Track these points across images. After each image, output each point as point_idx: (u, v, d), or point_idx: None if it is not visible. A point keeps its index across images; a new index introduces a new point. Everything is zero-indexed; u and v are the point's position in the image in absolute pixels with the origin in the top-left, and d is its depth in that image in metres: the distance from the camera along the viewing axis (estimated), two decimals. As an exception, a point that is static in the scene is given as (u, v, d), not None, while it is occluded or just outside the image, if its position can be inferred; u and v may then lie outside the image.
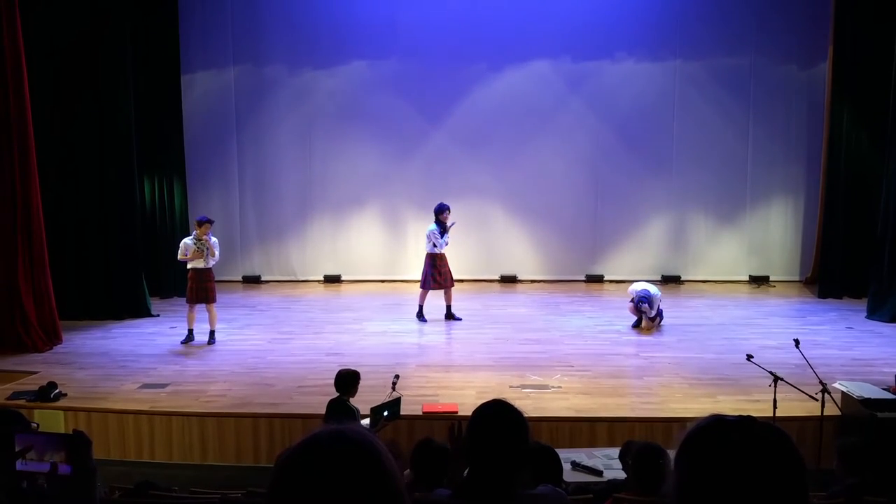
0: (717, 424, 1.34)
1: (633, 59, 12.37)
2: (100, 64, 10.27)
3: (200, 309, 9.29)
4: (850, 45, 11.11)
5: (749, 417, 1.35)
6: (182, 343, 9.25)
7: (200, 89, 12.38)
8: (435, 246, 9.99)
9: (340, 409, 5.94)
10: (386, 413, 6.12)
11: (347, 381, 6.10)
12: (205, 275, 9.16)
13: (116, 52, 10.34)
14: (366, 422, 5.78)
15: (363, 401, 6.25)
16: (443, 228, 9.99)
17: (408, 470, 4.01)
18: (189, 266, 9.15)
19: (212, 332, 9.29)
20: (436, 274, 10.06)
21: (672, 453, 1.39)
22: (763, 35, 12.16)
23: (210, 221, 9.24)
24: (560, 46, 12.31)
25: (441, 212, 10.01)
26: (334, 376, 6.19)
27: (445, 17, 12.19)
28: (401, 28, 12.25)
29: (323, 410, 6.18)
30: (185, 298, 9.53)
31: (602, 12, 12.20)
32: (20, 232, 9.05)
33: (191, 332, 9.32)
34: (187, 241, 9.18)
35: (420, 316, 10.17)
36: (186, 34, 11.80)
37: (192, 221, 10.29)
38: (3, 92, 8.85)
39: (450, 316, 10.20)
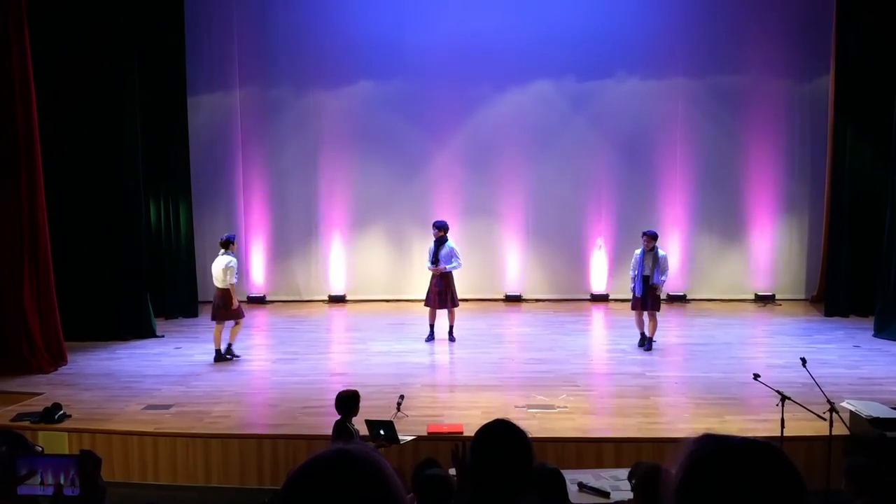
0: (716, 449, 1.33)
1: (636, 79, 12.43)
2: (107, 86, 10.36)
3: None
4: (852, 62, 11.15)
5: (748, 439, 1.35)
6: (216, 362, 9.27)
7: (206, 111, 12.47)
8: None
9: (342, 431, 5.91)
10: (382, 431, 6.09)
11: (347, 402, 6.06)
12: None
13: (123, 75, 10.43)
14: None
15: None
16: (436, 247, 9.96)
17: (411, 494, 3.99)
18: (229, 284, 9.25)
19: (230, 346, 9.44)
20: (429, 292, 10.07)
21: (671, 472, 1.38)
22: (765, 53, 12.21)
23: None
24: (562, 67, 12.38)
25: (434, 227, 10.04)
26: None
27: (449, 39, 12.27)
28: (405, 49, 12.34)
29: (327, 431, 6.16)
30: (187, 318, 9.48)
31: (603, 33, 12.28)
32: (27, 253, 9.09)
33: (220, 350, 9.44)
34: (234, 260, 9.33)
35: (428, 335, 10.17)
36: (193, 57, 11.90)
37: (214, 242, 10.56)
38: (11, 114, 8.93)
39: (450, 336, 10.18)
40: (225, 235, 9.59)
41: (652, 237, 9.62)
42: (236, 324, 9.42)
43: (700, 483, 1.32)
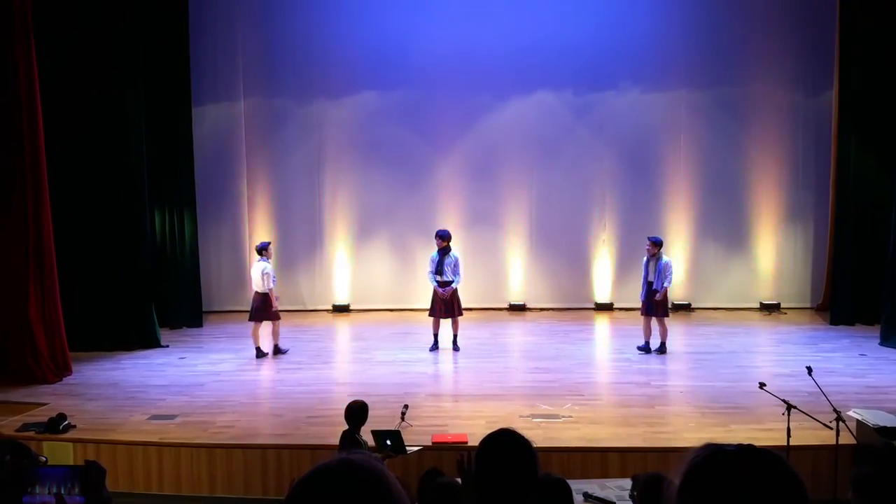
0: (716, 456, 1.33)
1: (638, 90, 12.44)
2: (112, 97, 10.41)
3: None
4: (856, 70, 11.13)
5: (749, 446, 1.35)
6: (259, 359, 9.82)
7: (211, 122, 12.52)
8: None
9: (350, 442, 5.90)
10: (389, 442, 6.07)
11: (357, 413, 6.05)
12: None
13: (128, 86, 10.47)
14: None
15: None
16: (441, 256, 9.95)
17: (416, 503, 3.98)
18: (269, 288, 9.76)
19: (276, 346, 10.02)
20: (433, 302, 10.07)
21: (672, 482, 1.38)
22: (768, 63, 12.20)
23: None
24: (565, 77, 12.39)
25: (438, 237, 10.06)
26: (344, 406, 6.16)
27: (452, 49, 12.31)
28: (408, 60, 12.38)
29: (331, 441, 6.15)
30: (191, 328, 9.78)
31: (606, 43, 12.28)
32: (32, 263, 9.11)
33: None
34: (269, 266, 9.86)
35: (432, 345, 10.16)
36: (197, 67, 11.95)
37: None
38: (17, 125, 8.97)
39: (454, 346, 10.16)
40: (259, 243, 10.28)
41: (655, 244, 9.65)
42: (274, 324, 9.95)
43: (697, 489, 1.32)
